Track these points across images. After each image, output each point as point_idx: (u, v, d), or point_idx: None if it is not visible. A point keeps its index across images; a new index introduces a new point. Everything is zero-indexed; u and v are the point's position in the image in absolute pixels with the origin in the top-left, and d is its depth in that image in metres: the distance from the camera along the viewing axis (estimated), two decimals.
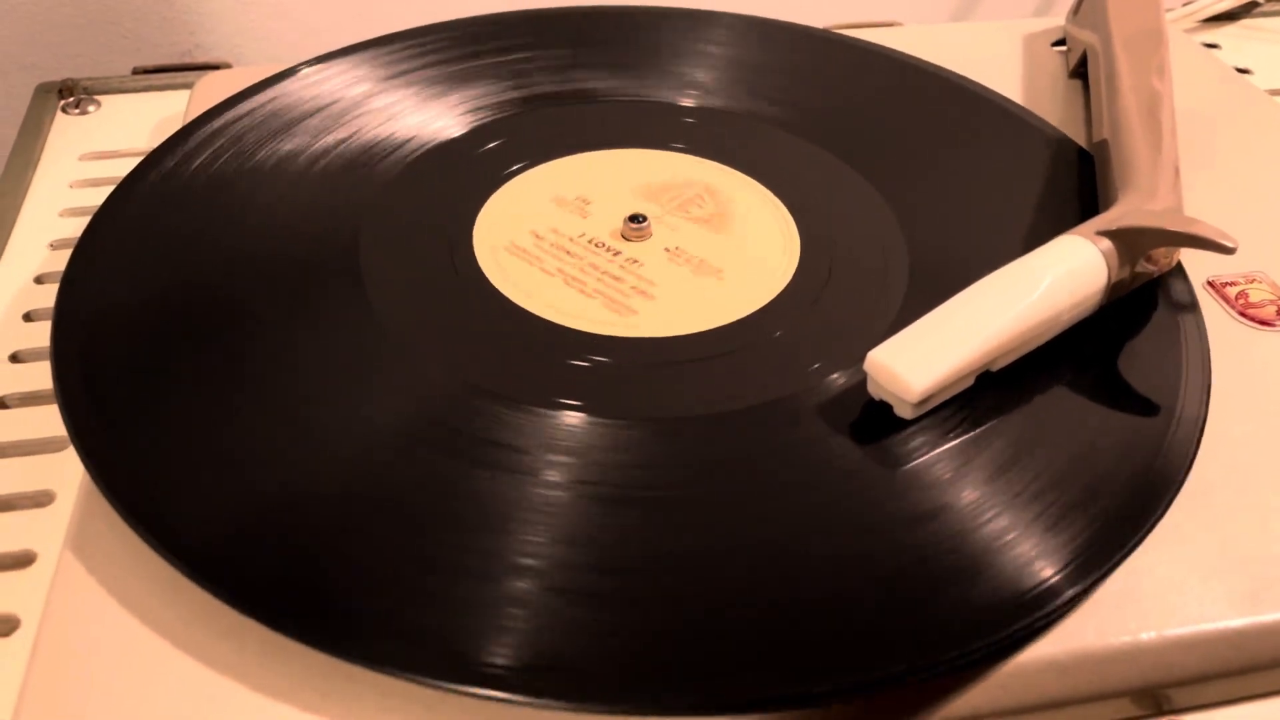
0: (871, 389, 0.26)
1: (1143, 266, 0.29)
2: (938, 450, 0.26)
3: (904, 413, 0.26)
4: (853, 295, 0.30)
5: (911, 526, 0.24)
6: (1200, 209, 0.35)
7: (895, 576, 0.23)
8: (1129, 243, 0.28)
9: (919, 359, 0.26)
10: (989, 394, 0.27)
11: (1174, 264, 0.31)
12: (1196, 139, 0.39)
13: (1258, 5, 0.52)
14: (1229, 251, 0.27)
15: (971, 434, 0.26)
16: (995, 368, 0.27)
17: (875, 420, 0.26)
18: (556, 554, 0.23)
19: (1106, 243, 0.28)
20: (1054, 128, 0.37)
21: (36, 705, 0.22)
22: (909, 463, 0.25)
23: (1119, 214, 0.29)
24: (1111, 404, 0.27)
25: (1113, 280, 0.28)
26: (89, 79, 0.45)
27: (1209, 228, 0.27)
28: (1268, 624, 0.24)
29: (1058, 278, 0.27)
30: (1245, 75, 0.48)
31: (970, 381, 0.27)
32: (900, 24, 0.50)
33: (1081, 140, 0.38)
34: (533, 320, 0.29)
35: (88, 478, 0.25)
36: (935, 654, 0.22)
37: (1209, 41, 0.50)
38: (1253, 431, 0.28)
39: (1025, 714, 0.23)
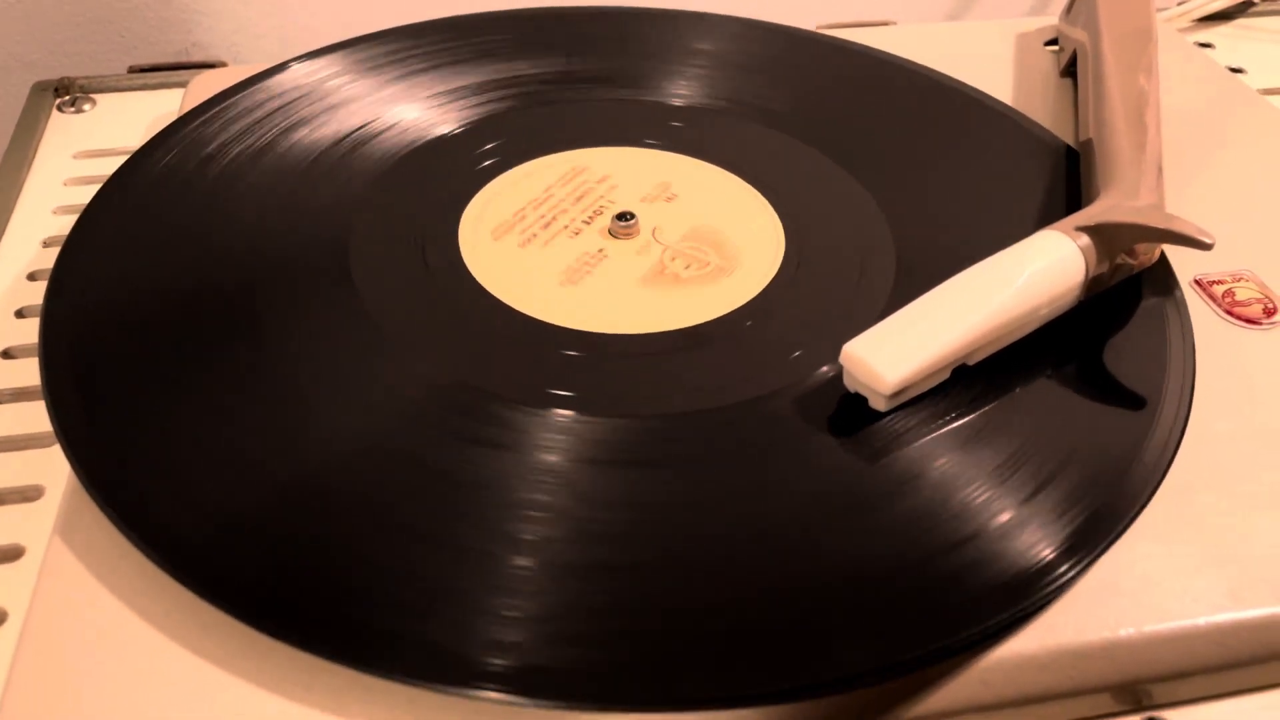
0: (847, 381, 0.27)
1: (1123, 260, 0.29)
2: (917, 444, 0.26)
3: (878, 405, 0.26)
4: (840, 291, 0.31)
5: (890, 520, 0.24)
6: (1191, 207, 0.35)
7: (875, 570, 0.23)
8: (1108, 238, 0.28)
9: (893, 352, 0.26)
10: (972, 388, 0.27)
11: (1154, 260, 0.31)
12: (1189, 138, 0.39)
13: (1252, 5, 0.52)
14: (1206, 247, 0.27)
15: (952, 428, 0.26)
16: (972, 361, 0.27)
17: (851, 413, 0.26)
18: (547, 551, 0.23)
19: (1085, 238, 0.28)
20: (1041, 126, 0.38)
21: (22, 696, 0.22)
22: (887, 456, 0.25)
23: (1099, 210, 0.29)
24: (1094, 399, 0.27)
25: (1090, 275, 0.28)
26: (84, 77, 0.46)
27: (1187, 224, 0.27)
28: (1247, 620, 0.24)
29: (1034, 272, 0.27)
30: (1238, 74, 0.48)
31: (946, 375, 0.27)
32: (894, 23, 0.50)
33: (1071, 138, 0.38)
34: (520, 317, 0.29)
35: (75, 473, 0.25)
36: (915, 649, 0.22)
37: (1203, 41, 0.50)
38: (1236, 429, 0.28)
39: (1005, 709, 0.23)
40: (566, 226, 0.33)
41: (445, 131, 0.36)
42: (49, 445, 0.30)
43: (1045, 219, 0.30)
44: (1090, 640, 0.23)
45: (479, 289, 0.30)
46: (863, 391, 0.26)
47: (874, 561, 0.23)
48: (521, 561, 0.23)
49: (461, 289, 0.30)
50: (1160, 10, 0.48)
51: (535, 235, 0.32)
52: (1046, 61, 0.44)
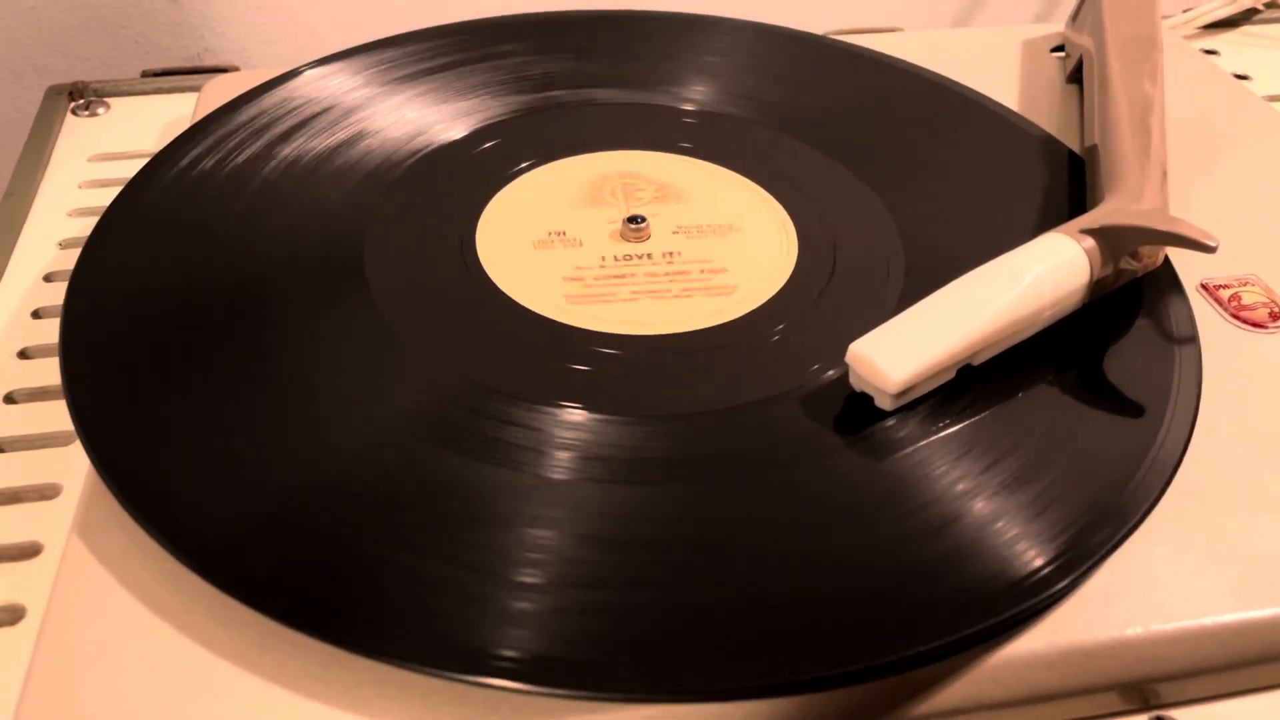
0: (853, 381, 0.27)
1: (1127, 263, 0.29)
2: (923, 443, 0.26)
3: (884, 404, 0.26)
4: (850, 295, 0.31)
5: (902, 518, 0.24)
6: (1197, 213, 0.35)
7: (884, 567, 0.23)
8: (1112, 241, 0.28)
9: (899, 351, 0.26)
10: (978, 388, 0.27)
11: (1158, 263, 0.31)
12: (1194, 145, 0.39)
13: (1257, 12, 0.52)
14: (1210, 250, 0.27)
15: (957, 428, 0.26)
16: (976, 362, 0.27)
17: (856, 412, 0.27)
18: (559, 548, 0.24)
19: (1089, 241, 0.28)
20: (1047, 131, 0.38)
21: (41, 691, 0.22)
22: (898, 455, 0.26)
23: (1103, 213, 0.30)
24: (1100, 401, 0.27)
25: (1095, 278, 0.28)
26: (99, 81, 0.46)
27: (1190, 227, 0.28)
28: (1253, 620, 0.24)
29: (1040, 274, 0.27)
30: (1244, 82, 0.48)
31: (951, 375, 0.27)
32: (902, 29, 0.50)
33: (1077, 143, 0.38)
34: (534, 318, 0.30)
35: (93, 471, 0.25)
36: (924, 644, 0.22)
37: (1208, 48, 0.51)
38: (1242, 431, 0.28)
39: (1013, 707, 0.23)
40: (581, 235, 0.33)
41: (458, 135, 0.36)
42: (66, 444, 0.30)
43: (1051, 222, 0.30)
44: (1098, 639, 0.23)
45: (496, 291, 0.30)
46: (868, 391, 0.27)
47: (879, 559, 0.24)
48: (533, 555, 0.23)
49: (480, 292, 0.30)
50: (1165, 17, 0.48)
51: (554, 243, 0.33)
52: (1053, 68, 0.44)
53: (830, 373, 0.28)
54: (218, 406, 0.26)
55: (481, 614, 0.22)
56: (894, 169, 0.36)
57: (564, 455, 0.26)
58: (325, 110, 0.36)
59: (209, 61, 0.61)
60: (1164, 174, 0.32)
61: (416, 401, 0.27)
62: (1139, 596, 0.24)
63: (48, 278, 0.36)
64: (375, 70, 0.38)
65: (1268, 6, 0.52)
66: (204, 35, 0.60)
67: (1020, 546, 0.24)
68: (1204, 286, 0.33)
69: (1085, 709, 0.24)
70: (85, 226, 0.31)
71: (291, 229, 0.32)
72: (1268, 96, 0.46)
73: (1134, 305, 0.30)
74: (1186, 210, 0.35)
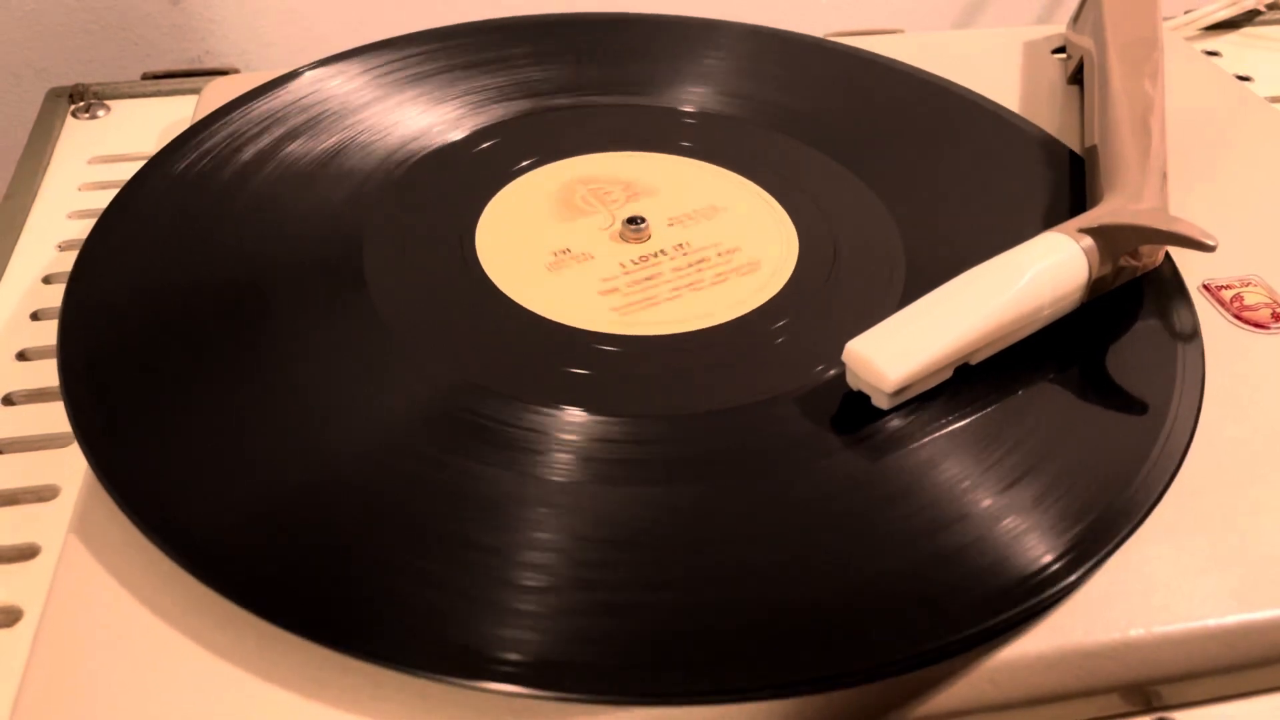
0: (850, 380, 0.27)
1: (1126, 262, 0.29)
2: (920, 442, 0.26)
3: (881, 403, 0.26)
4: (850, 295, 0.31)
5: (893, 519, 0.24)
6: (1198, 213, 0.35)
7: (877, 569, 0.23)
8: (1110, 240, 0.28)
9: (896, 350, 0.26)
10: (975, 387, 0.27)
11: (1158, 262, 0.31)
12: (1196, 146, 0.39)
13: (1259, 14, 0.52)
14: (1209, 249, 0.27)
15: (955, 427, 0.26)
16: (974, 361, 0.27)
17: (854, 412, 0.27)
18: (560, 550, 0.24)
19: (1088, 240, 0.28)
20: (1047, 132, 0.38)
21: (38, 693, 0.22)
22: (890, 455, 0.26)
23: (1102, 212, 0.30)
24: (1102, 402, 0.27)
25: (1094, 277, 0.28)
26: (99, 84, 0.46)
27: (1189, 226, 0.28)
28: (1256, 622, 0.24)
29: (1038, 273, 0.27)
30: (1246, 83, 0.48)
31: (948, 374, 0.27)
32: (902, 31, 0.50)
33: (1078, 144, 0.38)
34: (534, 319, 0.30)
35: (90, 473, 0.25)
36: (925, 644, 0.22)
37: (1210, 49, 0.51)
38: (1245, 432, 0.28)
39: (1014, 709, 0.23)
40: (582, 236, 0.33)
41: (458, 137, 0.36)
42: (64, 445, 0.30)
43: (1051, 223, 0.30)
44: (1099, 640, 0.23)
45: (496, 292, 0.30)
46: (865, 390, 0.26)
47: (876, 560, 0.24)
48: (533, 557, 0.23)
49: (479, 292, 0.30)
50: (1167, 19, 0.48)
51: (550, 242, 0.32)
52: (1054, 69, 0.44)
53: (830, 372, 0.28)
54: (215, 409, 0.26)
55: (481, 617, 0.22)
56: (894, 169, 0.36)
57: (563, 456, 0.26)
58: (325, 111, 0.36)
59: (209, 64, 0.61)
60: (1164, 174, 0.32)
61: (415, 403, 0.27)
62: (1141, 597, 0.24)
63: (47, 279, 0.36)
64: (375, 71, 0.38)
65: (1269, 8, 0.52)
66: (204, 37, 0.60)
67: (1021, 546, 0.24)
68: (1206, 287, 0.33)
69: (1087, 711, 0.24)
70: (85, 229, 0.31)
71: (290, 230, 0.32)
72: (1269, 98, 0.46)
73: (1136, 304, 0.30)
74: (1188, 211, 0.35)
